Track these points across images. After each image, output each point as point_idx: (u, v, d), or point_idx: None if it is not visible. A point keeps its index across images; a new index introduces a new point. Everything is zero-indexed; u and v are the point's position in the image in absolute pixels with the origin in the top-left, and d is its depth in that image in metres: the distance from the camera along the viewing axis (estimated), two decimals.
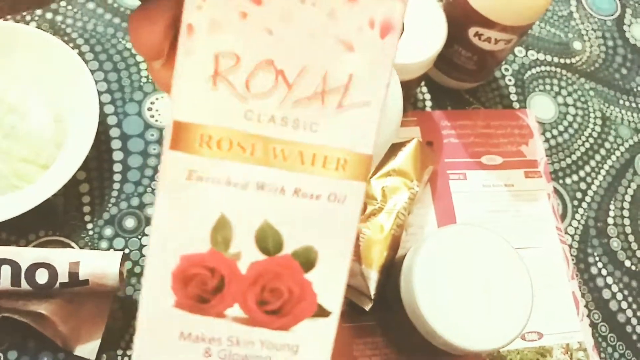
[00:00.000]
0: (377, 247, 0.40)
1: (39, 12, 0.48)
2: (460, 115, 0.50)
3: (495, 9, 0.41)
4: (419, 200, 0.46)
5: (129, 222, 0.42)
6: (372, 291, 0.39)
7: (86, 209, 0.42)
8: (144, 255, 0.41)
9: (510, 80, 0.54)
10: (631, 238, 0.50)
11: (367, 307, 0.39)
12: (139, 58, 0.48)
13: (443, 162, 0.48)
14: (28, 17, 0.47)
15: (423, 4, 0.43)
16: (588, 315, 0.46)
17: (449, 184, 0.47)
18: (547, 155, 0.51)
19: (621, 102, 0.56)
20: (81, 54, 0.47)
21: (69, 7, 0.48)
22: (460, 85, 0.50)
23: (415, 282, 0.34)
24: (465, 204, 0.47)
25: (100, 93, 0.46)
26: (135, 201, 0.43)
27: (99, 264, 0.36)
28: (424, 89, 0.51)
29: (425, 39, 0.42)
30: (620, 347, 0.46)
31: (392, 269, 0.40)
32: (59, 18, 0.48)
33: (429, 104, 0.51)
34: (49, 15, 0.48)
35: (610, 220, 0.50)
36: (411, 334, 0.36)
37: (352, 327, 0.42)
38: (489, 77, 0.52)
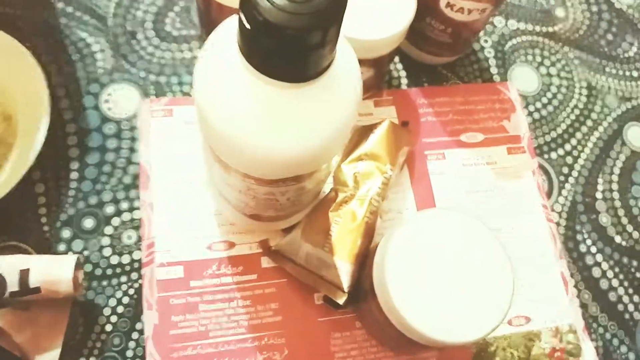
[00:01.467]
0: (350, 237, 0.38)
1: None
2: (437, 91, 0.48)
3: None
4: (395, 183, 0.43)
5: (88, 222, 0.40)
6: (346, 284, 0.37)
7: (42, 210, 0.39)
8: (104, 257, 0.39)
9: (489, 52, 0.51)
10: (621, 212, 0.48)
11: (341, 301, 0.37)
12: (95, 48, 0.45)
13: (420, 142, 0.46)
14: None
15: None
16: (578, 296, 0.44)
17: (427, 165, 0.45)
18: (530, 130, 0.49)
19: (607, 69, 0.53)
20: (33, 46, 0.44)
21: None
22: (436, 60, 0.48)
23: (387, 273, 0.31)
24: (445, 186, 0.45)
25: (54, 86, 0.43)
26: (93, 200, 0.40)
27: (51, 270, 0.34)
28: (399, 66, 0.49)
29: (393, 12, 0.39)
30: (612, 327, 0.44)
31: (366, 259, 0.37)
32: (8, 10, 0.45)
33: (404, 81, 0.48)
34: None
35: (598, 195, 0.48)
36: (388, 326, 0.34)
37: (329, 321, 0.40)
38: (466, 50, 0.49)
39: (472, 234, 0.32)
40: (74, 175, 0.41)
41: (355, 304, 0.39)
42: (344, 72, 0.26)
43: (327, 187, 0.40)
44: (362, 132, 0.41)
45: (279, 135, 0.25)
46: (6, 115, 0.40)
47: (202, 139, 0.30)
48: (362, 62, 0.40)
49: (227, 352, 0.37)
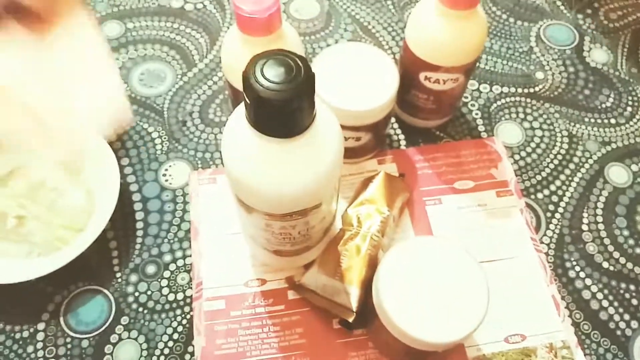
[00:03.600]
0: (356, 267, 0.46)
1: None
2: (431, 149, 0.57)
3: (434, 54, 0.49)
4: (398, 225, 0.52)
5: (150, 269, 0.50)
6: (354, 304, 0.45)
7: (115, 260, 0.50)
8: (163, 295, 0.49)
9: (477, 114, 0.60)
10: (607, 241, 0.54)
11: (351, 319, 0.44)
12: (154, 135, 0.57)
13: (419, 190, 0.54)
14: None
15: (376, 59, 0.50)
16: (569, 316, 0.50)
17: (426, 209, 0.53)
18: (517, 175, 0.56)
19: (586, 119, 0.61)
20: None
21: None
22: (428, 123, 0.57)
23: (380, 288, 0.39)
24: (443, 226, 0.52)
25: (123, 167, 0.55)
26: (155, 251, 0.51)
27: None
28: (398, 131, 0.58)
29: (380, 87, 0.49)
30: (605, 343, 0.49)
31: (371, 286, 0.45)
32: None
33: (403, 142, 0.58)
34: None
35: (584, 227, 0.54)
36: (392, 340, 0.41)
37: (346, 342, 0.47)
38: (453, 113, 0.58)
39: (451, 255, 0.40)
40: (139, 232, 0.52)
41: (365, 326, 0.47)
42: (325, 130, 0.36)
43: (337, 228, 0.49)
44: (364, 183, 0.51)
45: (276, 177, 0.35)
46: (88, 191, 0.52)
47: (230, 189, 0.40)
48: (360, 128, 0.50)
49: None
